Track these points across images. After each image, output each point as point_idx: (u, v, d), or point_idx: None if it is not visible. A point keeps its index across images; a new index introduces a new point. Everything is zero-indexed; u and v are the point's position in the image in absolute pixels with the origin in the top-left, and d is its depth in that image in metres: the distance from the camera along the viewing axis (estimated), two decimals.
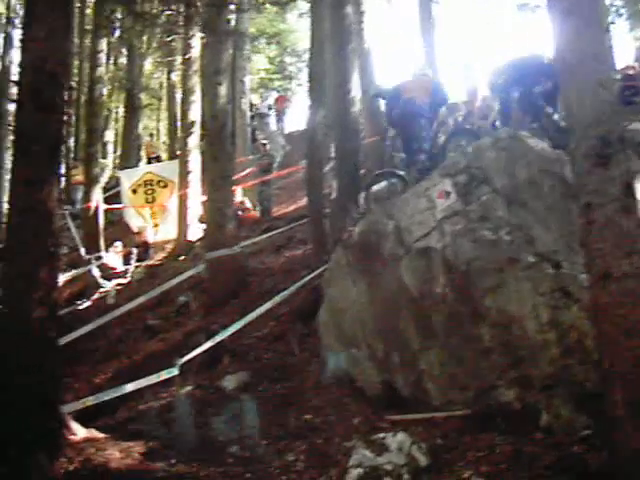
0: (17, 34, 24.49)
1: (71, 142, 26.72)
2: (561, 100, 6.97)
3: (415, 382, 6.64)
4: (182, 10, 11.65)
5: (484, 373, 6.20)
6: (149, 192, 16.67)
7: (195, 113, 15.89)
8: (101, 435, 6.87)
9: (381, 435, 5.78)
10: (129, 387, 7.88)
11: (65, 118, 7.21)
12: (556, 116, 8.48)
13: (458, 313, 6.44)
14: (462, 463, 5.45)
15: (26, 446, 6.12)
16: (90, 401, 7.72)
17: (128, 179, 17.06)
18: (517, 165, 6.84)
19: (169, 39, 19.25)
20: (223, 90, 11.74)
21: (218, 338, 8.41)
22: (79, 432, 6.74)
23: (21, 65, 6.80)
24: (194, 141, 15.78)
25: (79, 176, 19.63)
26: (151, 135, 32.03)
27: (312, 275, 9.24)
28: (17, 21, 24.49)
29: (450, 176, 7.20)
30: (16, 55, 25.73)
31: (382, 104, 11.33)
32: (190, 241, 15.00)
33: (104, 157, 19.15)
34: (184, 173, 15.50)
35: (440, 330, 6.52)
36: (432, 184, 7.33)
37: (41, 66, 6.53)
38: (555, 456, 5.20)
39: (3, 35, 27.40)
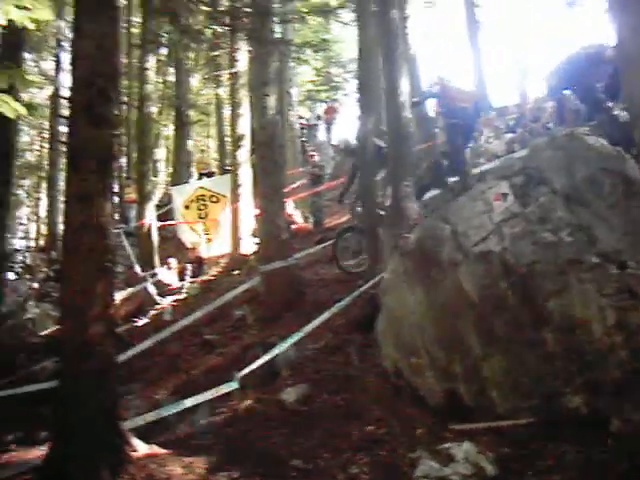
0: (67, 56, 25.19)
1: (123, 161, 27.14)
2: (623, 93, 6.80)
3: (478, 390, 6.48)
4: (227, 22, 11.67)
5: (549, 379, 6.03)
6: (201, 207, 16.75)
7: (244, 126, 15.95)
8: (162, 451, 6.85)
9: (446, 445, 5.66)
10: (188, 402, 7.86)
11: (116, 133, 7.27)
12: (616, 111, 8.29)
13: (520, 318, 6.27)
14: (531, 472, 5.30)
15: (89, 462, 6.14)
16: (150, 417, 7.72)
17: (180, 195, 17.18)
18: (576, 164, 6.65)
19: (215, 54, 19.43)
20: (271, 102, 11.76)
21: (276, 351, 8.36)
22: (140, 448, 6.74)
23: (72, 81, 6.89)
24: (244, 154, 15.82)
25: (132, 194, 19.87)
26: (202, 151, 32.33)
27: (368, 285, 9.14)
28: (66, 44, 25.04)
29: (506, 178, 7.05)
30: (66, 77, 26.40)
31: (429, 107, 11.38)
32: (244, 255, 15.01)
33: (155, 175, 19.33)
34: (235, 187, 15.54)
35: (502, 336, 6.36)
36: (488, 187, 7.19)
37: (91, 82, 6.62)
38: (627, 463, 5.02)
39: (54, 58, 28.12)
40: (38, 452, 7.33)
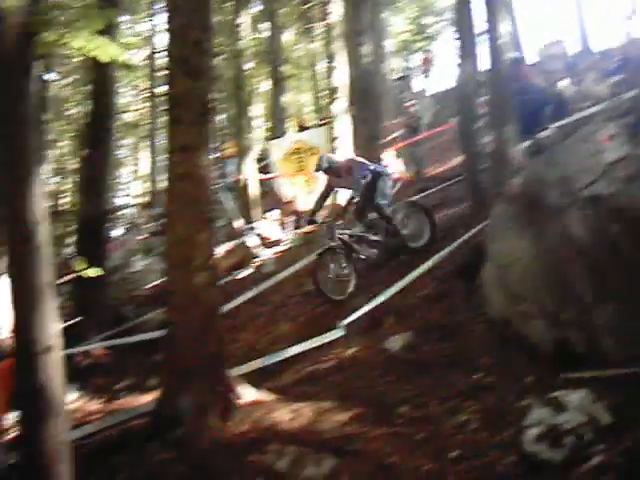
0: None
1: (221, 117, 27.40)
2: None
3: (590, 338, 6.24)
4: None
5: None
6: (299, 160, 16.70)
7: (339, 78, 15.79)
8: (269, 397, 6.94)
9: (557, 393, 5.48)
10: (294, 350, 7.92)
11: (211, 85, 7.36)
12: None
13: (633, 262, 5.99)
14: None
15: (198, 408, 6.27)
16: (256, 365, 7.81)
17: (278, 149, 17.17)
18: None
19: (307, 6, 19.25)
20: (365, 50, 11.57)
21: (380, 299, 8.29)
22: (247, 395, 6.84)
23: (169, 35, 6.98)
24: (340, 106, 15.69)
25: (231, 149, 20.02)
26: (298, 106, 32.30)
27: (472, 232, 8.94)
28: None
29: (615, 119, 6.70)
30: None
31: None
32: (343, 206, 14.90)
33: (253, 130, 19.38)
34: (332, 139, 15.45)
35: (614, 282, 6.09)
36: (596, 129, 6.86)
37: (186, 34, 6.68)
38: None
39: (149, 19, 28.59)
40: (149, 398, 7.55)
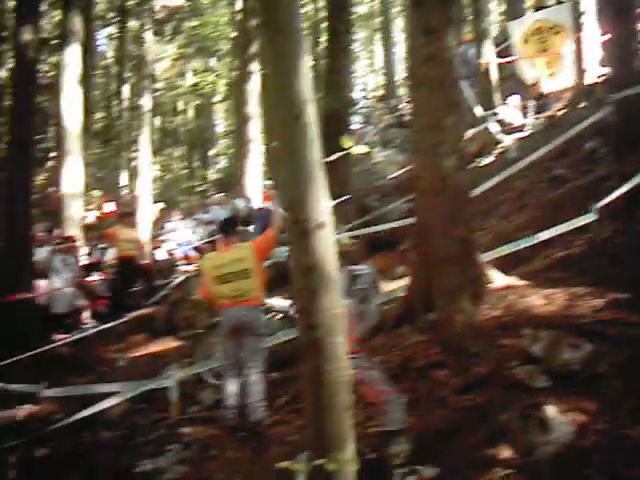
0: None
1: None
2: None
3: None
4: None
5: None
6: (541, 40, 15.82)
7: None
8: (520, 282, 6.85)
9: None
10: (544, 235, 7.70)
11: None
12: None
13: None
14: None
15: (450, 293, 6.33)
16: (506, 250, 7.70)
17: (518, 30, 16.33)
18: None
19: None
20: None
21: (636, 180, 7.78)
22: (498, 280, 6.80)
23: None
24: None
25: (469, 34, 19.39)
26: None
27: None
28: None
29: None
30: None
31: None
32: (590, 86, 14.05)
33: (490, 13, 18.60)
34: (578, 15, 14.45)
35: None
36: None
37: None
38: None
39: None
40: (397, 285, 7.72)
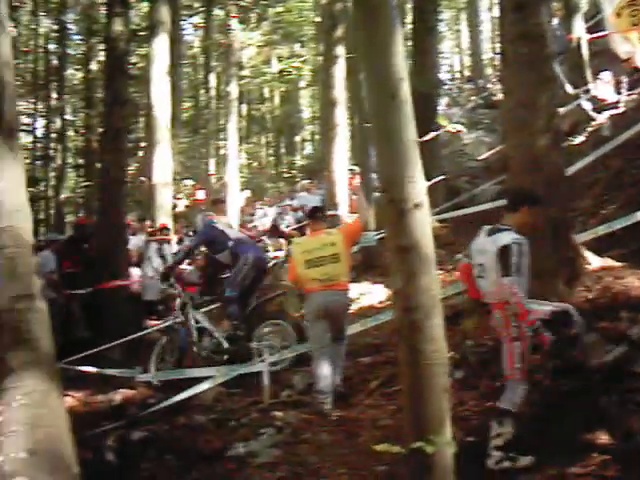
0: None
1: None
2: None
3: None
4: None
5: None
6: (635, 14, 15.26)
7: None
8: (617, 264, 6.66)
9: None
10: None
11: None
12: None
13: None
14: None
15: (545, 275, 6.18)
16: (601, 230, 7.47)
17: (610, 3, 15.83)
18: None
19: None
20: None
21: None
22: (594, 261, 6.63)
23: None
24: None
25: (557, 10, 18.92)
26: None
27: None
28: None
29: None
30: None
31: None
32: None
33: None
34: None
35: None
36: None
37: None
38: None
39: None
40: None
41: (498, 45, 6.96)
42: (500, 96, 16.53)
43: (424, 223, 3.54)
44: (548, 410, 5.13)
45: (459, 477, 3.62)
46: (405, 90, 3.46)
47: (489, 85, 23.46)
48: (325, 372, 6.90)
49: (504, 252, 4.80)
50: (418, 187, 3.52)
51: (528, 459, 4.62)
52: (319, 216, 7.69)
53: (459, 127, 6.12)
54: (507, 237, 4.86)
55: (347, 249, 7.32)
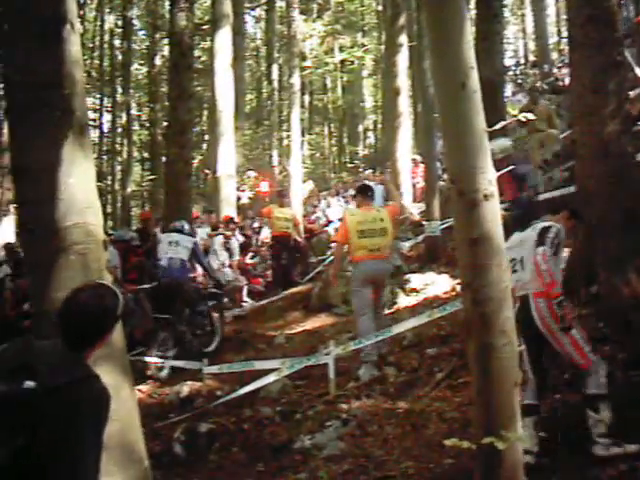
0: None
1: None
2: None
3: None
4: None
5: None
6: None
7: None
8: None
9: None
10: None
11: None
12: None
13: None
14: None
15: (616, 264, 6.04)
16: None
17: None
18: None
19: None
20: None
21: None
22: None
23: None
24: None
25: None
26: None
27: None
28: None
29: None
30: None
31: None
32: None
33: None
34: None
35: None
36: None
37: None
38: None
39: None
40: None
41: (564, 29, 6.75)
42: (567, 81, 16.19)
43: (494, 214, 3.50)
44: (621, 402, 4.99)
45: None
46: (475, 79, 3.41)
47: (555, 70, 22.93)
48: (366, 325, 7.88)
49: (544, 232, 5.03)
50: (488, 178, 3.48)
51: (634, 446, 4.51)
52: (368, 194, 8.52)
53: (530, 116, 5.93)
54: (547, 223, 5.15)
55: (391, 226, 8.32)
